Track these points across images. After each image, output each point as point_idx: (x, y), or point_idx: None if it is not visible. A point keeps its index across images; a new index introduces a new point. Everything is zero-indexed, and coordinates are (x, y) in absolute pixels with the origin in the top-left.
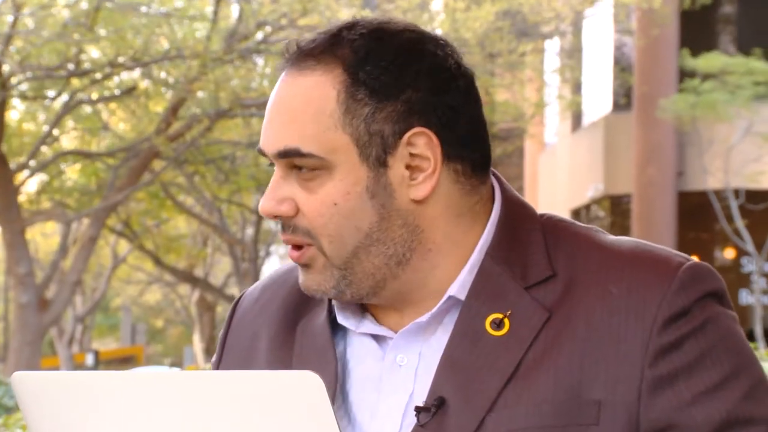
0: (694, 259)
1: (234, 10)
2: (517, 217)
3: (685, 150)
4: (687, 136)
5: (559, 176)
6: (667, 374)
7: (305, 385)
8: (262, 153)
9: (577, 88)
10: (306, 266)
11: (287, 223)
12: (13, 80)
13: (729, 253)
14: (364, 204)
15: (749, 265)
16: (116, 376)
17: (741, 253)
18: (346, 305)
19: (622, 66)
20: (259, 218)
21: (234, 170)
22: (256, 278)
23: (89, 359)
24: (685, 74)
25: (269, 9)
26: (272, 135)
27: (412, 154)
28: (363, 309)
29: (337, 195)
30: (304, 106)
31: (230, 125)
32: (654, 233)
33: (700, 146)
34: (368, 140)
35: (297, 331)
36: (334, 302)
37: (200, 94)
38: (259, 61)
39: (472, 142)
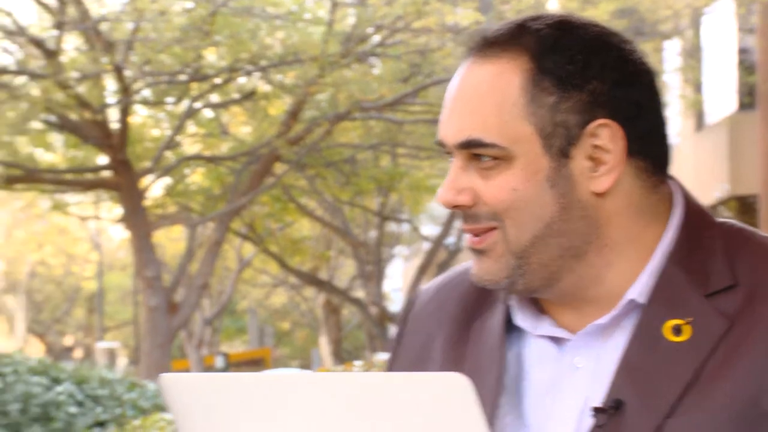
0: None
1: (350, 14)
2: (699, 224)
3: None
4: None
5: (683, 177)
6: None
7: (453, 387)
8: (440, 144)
9: (698, 87)
10: (482, 253)
11: (468, 213)
12: (135, 86)
13: None
14: (544, 193)
15: None
16: (263, 377)
17: None
18: (524, 306)
19: (745, 64)
20: (382, 220)
21: (354, 172)
22: (380, 280)
23: (219, 362)
24: None
25: (384, 12)
26: (453, 126)
27: (594, 146)
28: (541, 310)
29: (516, 182)
30: (487, 95)
31: (349, 127)
32: None
33: None
34: (552, 131)
35: (472, 330)
36: (511, 303)
37: (319, 97)
38: (376, 63)
39: (654, 138)
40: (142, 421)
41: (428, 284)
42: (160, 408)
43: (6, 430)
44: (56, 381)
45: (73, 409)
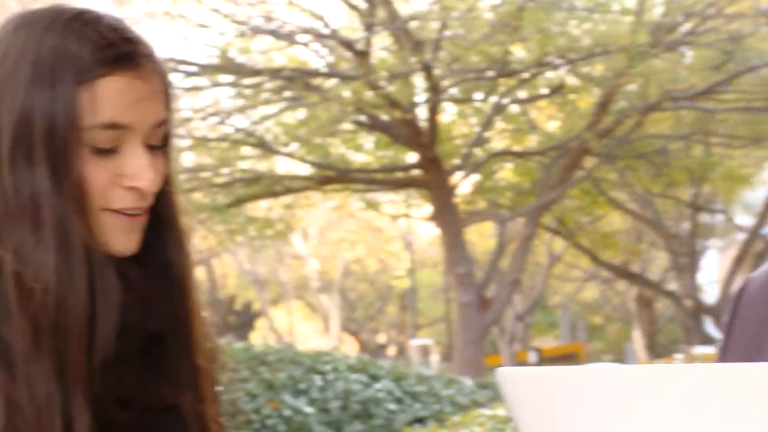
0: None
1: (658, 2)
2: None
3: None
4: None
5: None
6: None
7: None
8: None
9: None
10: None
11: None
12: (444, 84)
13: None
14: None
15: None
16: (602, 370)
17: None
18: None
19: None
20: (695, 211)
21: (666, 163)
22: (694, 272)
23: (532, 357)
24: None
25: None
26: None
27: None
28: None
29: None
30: None
31: (660, 118)
32: None
33: None
34: None
35: None
36: None
37: (629, 88)
38: (687, 52)
39: None
40: (461, 417)
41: (757, 271)
42: (478, 404)
43: (327, 426)
44: (374, 378)
45: (392, 406)
